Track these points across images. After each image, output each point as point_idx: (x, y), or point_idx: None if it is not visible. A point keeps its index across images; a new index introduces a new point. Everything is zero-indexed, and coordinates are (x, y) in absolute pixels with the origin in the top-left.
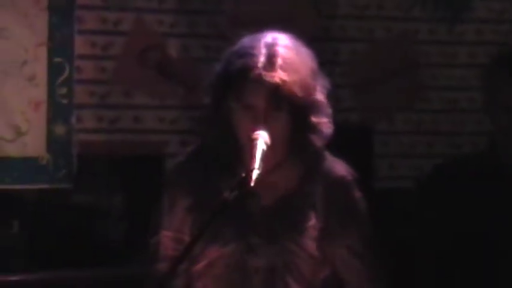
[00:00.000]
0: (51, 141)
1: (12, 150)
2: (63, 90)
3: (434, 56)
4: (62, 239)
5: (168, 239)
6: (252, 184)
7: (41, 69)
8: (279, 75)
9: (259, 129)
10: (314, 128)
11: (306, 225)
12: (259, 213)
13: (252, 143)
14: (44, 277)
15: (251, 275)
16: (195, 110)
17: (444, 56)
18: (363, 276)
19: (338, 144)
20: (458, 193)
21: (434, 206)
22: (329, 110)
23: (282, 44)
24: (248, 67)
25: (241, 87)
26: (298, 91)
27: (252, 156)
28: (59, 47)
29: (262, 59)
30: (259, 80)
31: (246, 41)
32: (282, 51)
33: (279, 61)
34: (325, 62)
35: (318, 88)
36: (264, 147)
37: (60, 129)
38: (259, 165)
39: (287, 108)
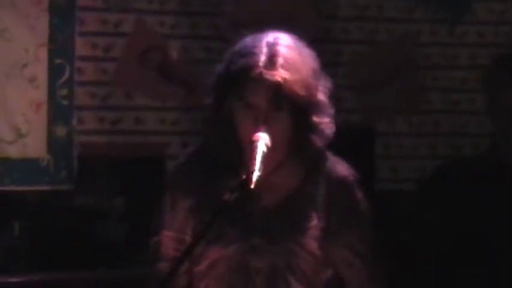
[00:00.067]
0: (52, 143)
1: (13, 151)
2: (64, 92)
3: (436, 57)
4: (63, 241)
5: (170, 239)
6: (252, 186)
7: (41, 71)
8: (280, 74)
9: (261, 129)
10: (315, 128)
11: (307, 226)
12: (261, 214)
13: (252, 145)
14: (45, 278)
15: (253, 275)
16: (196, 112)
17: (445, 57)
18: (364, 276)
19: (339, 145)
20: (459, 195)
21: (435, 207)
22: (331, 110)
23: (283, 43)
24: (249, 66)
25: (242, 86)
26: (299, 90)
27: (252, 158)
28: (59, 48)
29: (263, 58)
30: (260, 79)
31: (247, 40)
32: (283, 51)
33: (280, 60)
34: (327, 64)
35: (320, 88)
36: (265, 149)
37: (60, 131)
38: (260, 168)
39: (288, 108)
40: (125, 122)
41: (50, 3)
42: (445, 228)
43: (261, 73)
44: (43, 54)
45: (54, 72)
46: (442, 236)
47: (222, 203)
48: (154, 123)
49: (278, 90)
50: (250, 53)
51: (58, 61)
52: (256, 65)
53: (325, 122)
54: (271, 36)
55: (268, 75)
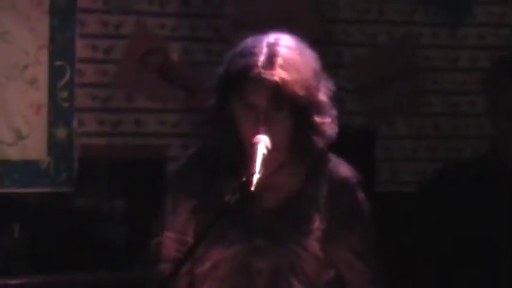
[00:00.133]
0: (52, 145)
1: (13, 153)
2: (65, 94)
3: (436, 60)
4: (63, 243)
5: (171, 240)
6: (253, 188)
7: (42, 73)
8: (278, 74)
9: (261, 129)
10: (316, 129)
11: (310, 227)
12: (262, 215)
13: (253, 147)
14: (45, 280)
15: (255, 276)
16: (196, 114)
17: (446, 60)
18: (365, 277)
19: (340, 147)
20: (459, 197)
21: (436, 209)
22: (333, 112)
23: (283, 44)
24: (248, 66)
25: (242, 86)
26: (298, 90)
27: (252, 161)
28: (60, 50)
29: (262, 58)
30: (259, 79)
31: (249, 41)
32: (283, 51)
33: (279, 60)
34: (328, 66)
35: (321, 89)
36: (265, 151)
37: (61, 133)
38: (260, 170)
39: (288, 108)
40: (125, 124)
41: (51, 5)
42: (445, 231)
43: (259, 73)
44: (43, 56)
45: (54, 74)
46: (442, 238)
47: (222, 204)
48: (155, 125)
49: (277, 90)
50: (250, 53)
51: (58, 63)
52: (255, 65)
53: (327, 123)
54: (272, 37)
55: (267, 74)
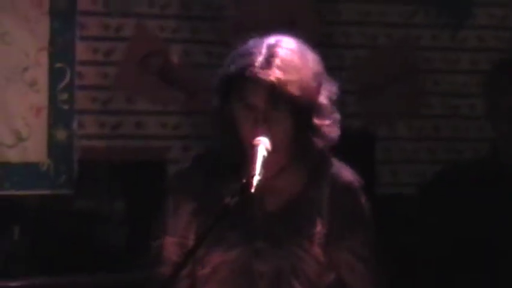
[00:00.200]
0: (52, 147)
1: (13, 155)
2: (64, 96)
3: (437, 62)
4: (63, 245)
5: (172, 244)
6: (253, 190)
7: (42, 75)
8: (274, 74)
9: (261, 130)
10: (317, 130)
11: (311, 230)
12: (263, 218)
13: (253, 149)
14: (45, 283)
15: (257, 279)
16: (197, 116)
17: (446, 62)
18: (366, 280)
19: (340, 150)
20: (460, 199)
21: (436, 211)
22: (335, 114)
23: (284, 45)
24: (246, 65)
25: (241, 86)
26: (295, 91)
27: (252, 163)
28: (60, 52)
29: (260, 58)
30: (256, 79)
31: (250, 42)
32: (282, 52)
33: (277, 61)
34: (328, 68)
35: (322, 92)
36: (265, 153)
37: (61, 135)
38: (260, 172)
39: (287, 108)
40: (125, 126)
41: (51, 7)
42: (445, 232)
43: (256, 73)
44: (43, 58)
45: (54, 76)
46: (442, 239)
47: (222, 207)
48: (155, 127)
49: (273, 89)
50: (249, 54)
51: (58, 65)
52: (252, 65)
53: (327, 125)
54: (273, 39)
55: (263, 74)
